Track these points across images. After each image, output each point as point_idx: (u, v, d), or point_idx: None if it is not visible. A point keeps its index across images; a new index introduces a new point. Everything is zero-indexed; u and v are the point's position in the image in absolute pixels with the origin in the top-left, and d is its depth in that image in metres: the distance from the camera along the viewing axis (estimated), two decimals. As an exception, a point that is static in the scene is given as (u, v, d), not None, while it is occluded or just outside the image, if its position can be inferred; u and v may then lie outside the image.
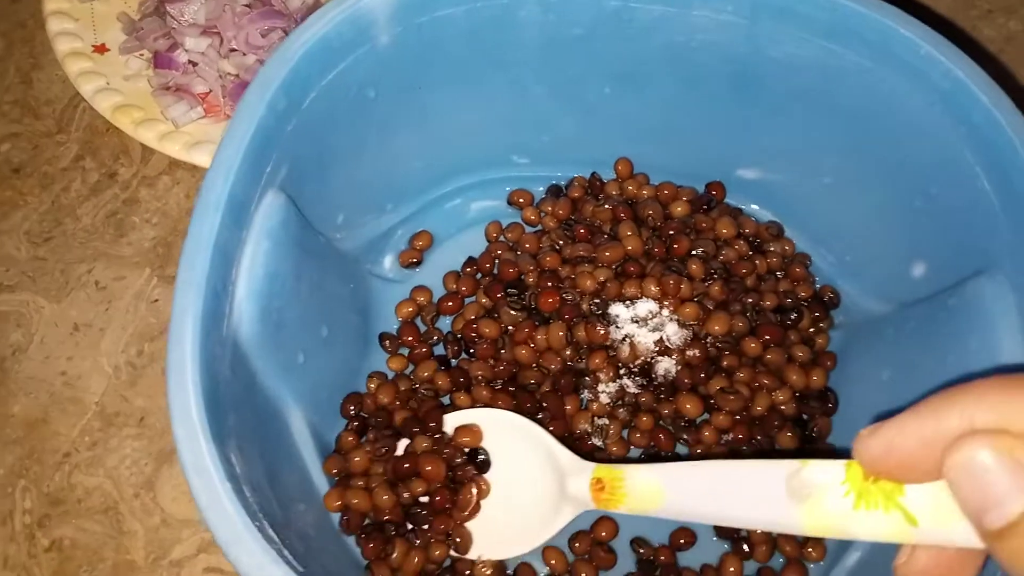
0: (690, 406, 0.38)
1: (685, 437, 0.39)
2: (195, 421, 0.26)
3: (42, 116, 0.47)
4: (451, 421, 0.37)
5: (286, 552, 0.27)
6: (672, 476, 0.29)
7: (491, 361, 0.40)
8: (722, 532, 0.38)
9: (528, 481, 0.35)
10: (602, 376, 0.38)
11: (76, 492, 0.39)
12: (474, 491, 0.35)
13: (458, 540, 0.35)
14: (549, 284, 0.40)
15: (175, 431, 0.26)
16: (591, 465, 0.33)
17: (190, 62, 0.45)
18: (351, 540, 0.37)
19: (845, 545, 0.37)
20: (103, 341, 0.42)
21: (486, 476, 0.36)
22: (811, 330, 0.41)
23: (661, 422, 0.39)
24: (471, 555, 0.35)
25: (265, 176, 0.32)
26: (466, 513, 0.35)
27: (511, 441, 0.36)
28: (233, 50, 0.45)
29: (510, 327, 0.40)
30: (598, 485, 0.32)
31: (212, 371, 0.28)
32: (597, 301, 0.39)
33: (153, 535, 0.39)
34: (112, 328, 0.43)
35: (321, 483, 0.37)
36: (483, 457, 0.36)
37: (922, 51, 0.34)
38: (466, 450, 0.36)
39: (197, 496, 0.26)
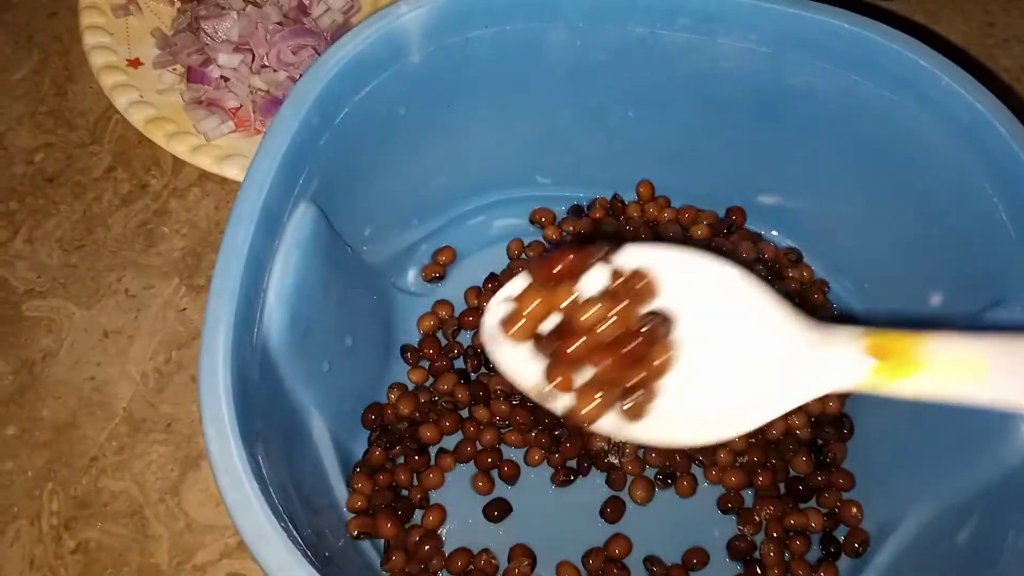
0: None
1: (700, 458, 0.40)
2: (225, 420, 0.27)
3: (76, 127, 0.48)
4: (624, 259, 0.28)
5: (309, 554, 0.28)
6: (1005, 348, 0.24)
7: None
8: (735, 553, 0.38)
9: (734, 347, 0.27)
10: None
11: (103, 496, 0.40)
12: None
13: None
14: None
15: (206, 430, 0.27)
16: (855, 328, 0.26)
17: (222, 77, 0.46)
18: (367, 546, 0.37)
19: (857, 570, 0.37)
20: (132, 348, 0.43)
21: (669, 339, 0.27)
22: (828, 355, 0.41)
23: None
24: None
25: (298, 188, 0.33)
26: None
27: (709, 295, 0.27)
28: (264, 66, 0.47)
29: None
30: (878, 351, 0.26)
31: (242, 376, 0.29)
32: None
33: (177, 539, 0.39)
34: (141, 335, 0.43)
35: (341, 490, 0.38)
36: (659, 315, 0.27)
37: (942, 83, 0.34)
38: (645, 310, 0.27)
39: (225, 494, 0.26)
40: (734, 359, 0.27)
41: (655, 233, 0.43)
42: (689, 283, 0.27)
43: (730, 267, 0.27)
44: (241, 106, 0.46)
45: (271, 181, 0.31)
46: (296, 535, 0.28)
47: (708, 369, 0.27)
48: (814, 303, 0.42)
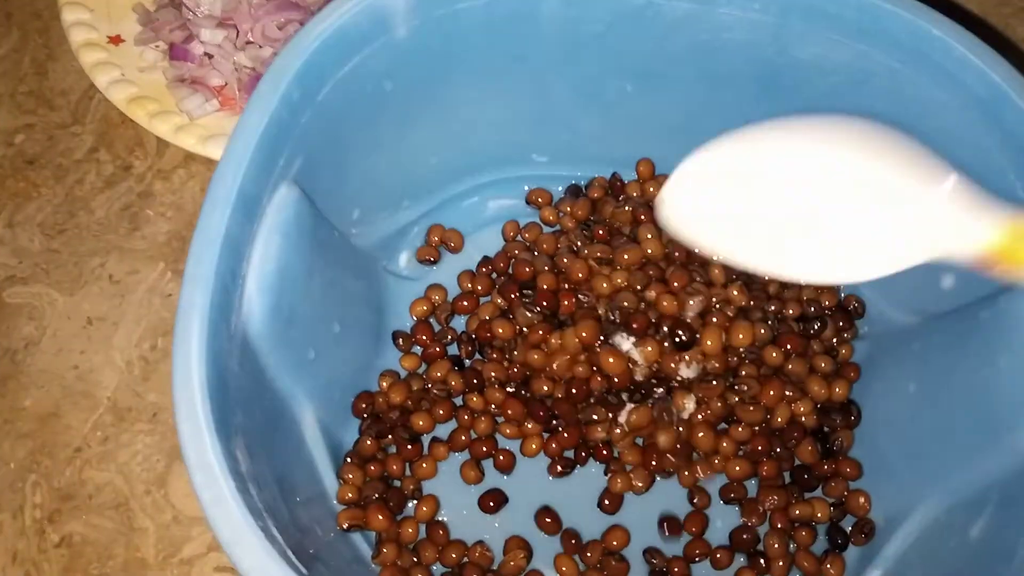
0: (702, 435, 0.37)
1: (702, 450, 0.38)
2: (200, 417, 0.26)
3: (57, 107, 0.47)
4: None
5: (290, 553, 0.26)
6: None
7: (505, 363, 0.39)
8: (739, 544, 0.37)
9: (874, 190, 0.29)
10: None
11: (87, 488, 0.39)
12: None
13: None
14: (566, 286, 0.39)
15: (179, 427, 0.26)
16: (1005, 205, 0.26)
17: (206, 54, 0.45)
18: (358, 538, 0.36)
19: (864, 562, 0.36)
20: (116, 335, 0.42)
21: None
22: (834, 340, 0.40)
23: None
24: None
25: (278, 169, 0.32)
26: None
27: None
28: (249, 42, 0.45)
29: (524, 328, 0.39)
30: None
31: (219, 366, 0.28)
32: (612, 314, 0.38)
33: (164, 532, 0.38)
34: (125, 322, 0.42)
35: (330, 481, 0.36)
36: None
37: (956, 54, 0.33)
38: None
39: (200, 494, 0.25)
40: (873, 202, 0.28)
41: (654, 214, 0.41)
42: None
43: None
44: (226, 84, 0.45)
45: (248, 162, 0.30)
46: (275, 534, 0.27)
47: (850, 211, 0.29)
48: (820, 285, 0.41)
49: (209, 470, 0.25)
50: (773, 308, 0.39)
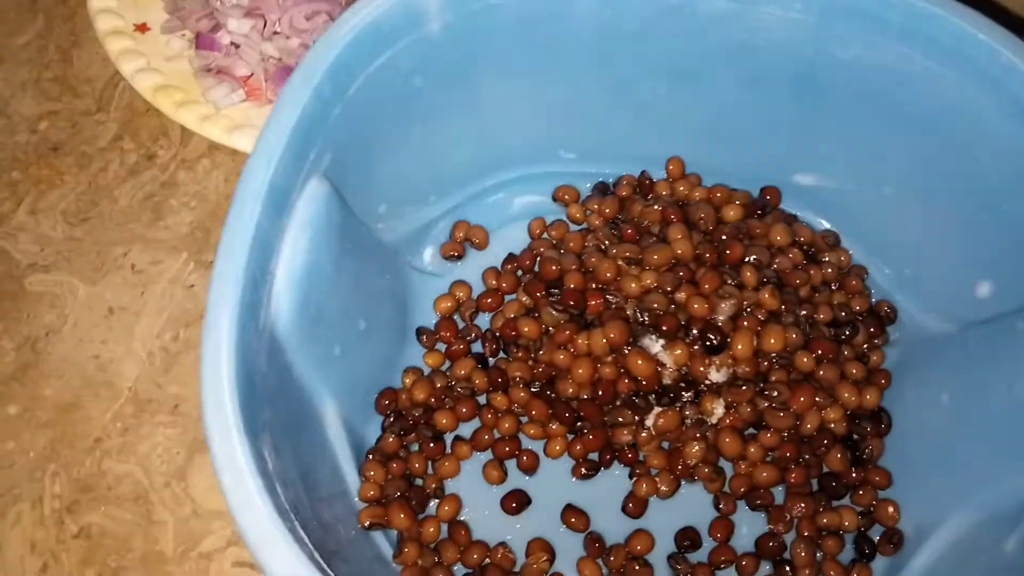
0: (729, 441, 0.36)
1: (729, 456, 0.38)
2: (229, 415, 0.25)
3: (82, 95, 0.47)
4: None
5: (316, 554, 0.26)
6: None
7: (530, 362, 0.39)
8: (765, 552, 0.36)
9: None
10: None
11: (107, 479, 0.39)
12: None
13: None
14: (594, 286, 0.39)
15: (207, 425, 0.25)
16: None
17: (232, 44, 0.44)
18: (380, 536, 0.36)
19: (892, 573, 0.35)
20: (138, 326, 0.42)
21: None
22: (865, 346, 0.39)
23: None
24: None
25: (308, 163, 0.31)
26: None
27: None
28: (276, 33, 0.44)
29: (551, 328, 0.38)
30: None
31: (248, 364, 0.27)
32: (643, 316, 0.37)
33: (183, 526, 0.38)
34: (147, 312, 0.42)
35: (353, 479, 0.36)
36: None
37: (1003, 59, 0.32)
38: None
39: (227, 494, 0.25)
40: None
41: (684, 214, 0.40)
42: None
43: None
44: (252, 74, 0.44)
45: (279, 157, 0.29)
46: (302, 534, 0.26)
47: None
48: (851, 288, 0.40)
49: (237, 471, 0.25)
50: (804, 312, 0.38)
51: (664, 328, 0.36)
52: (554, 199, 0.43)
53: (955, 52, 0.33)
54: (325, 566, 0.26)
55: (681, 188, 0.42)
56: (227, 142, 0.43)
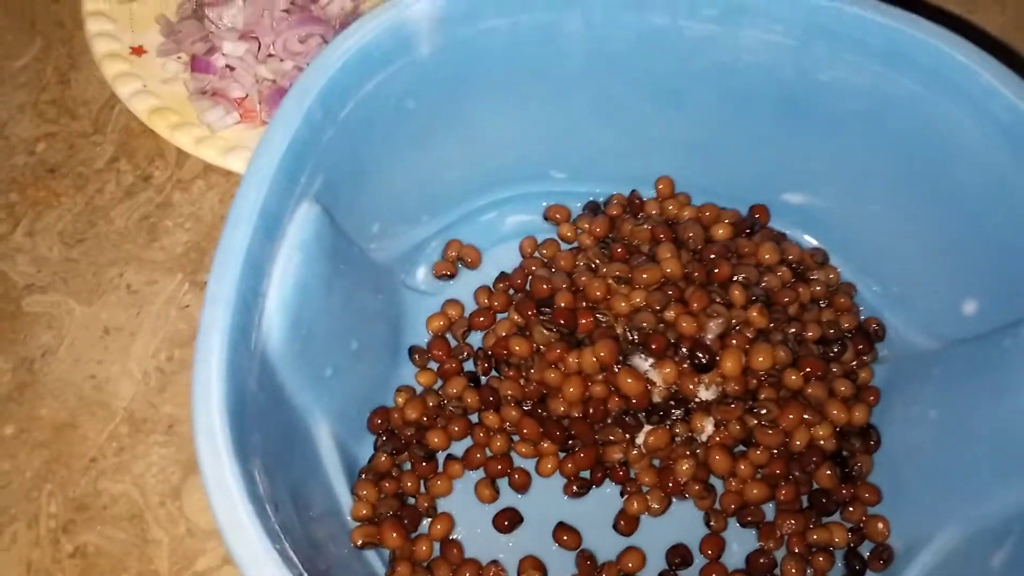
0: (719, 458, 0.37)
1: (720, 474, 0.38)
2: (219, 439, 0.26)
3: (78, 117, 0.47)
4: None
5: (305, 574, 0.26)
6: None
7: (521, 381, 0.39)
8: (755, 569, 0.36)
9: None
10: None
11: (102, 498, 0.39)
12: None
13: None
14: (584, 304, 0.39)
15: (198, 447, 0.26)
16: None
17: (227, 66, 0.45)
18: (373, 555, 0.36)
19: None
20: (133, 346, 0.42)
21: None
22: (854, 363, 0.40)
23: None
24: None
25: (300, 187, 0.32)
26: None
27: None
28: (271, 55, 0.45)
29: (541, 346, 0.39)
30: None
31: (239, 386, 0.28)
32: (632, 334, 0.37)
33: (178, 545, 0.38)
34: (142, 333, 0.42)
35: (345, 498, 0.36)
36: None
37: (981, 80, 0.32)
38: None
39: (217, 515, 0.25)
40: None
41: (674, 233, 0.41)
42: None
43: None
44: (247, 96, 0.45)
45: (271, 181, 0.30)
46: (291, 555, 0.26)
47: None
48: (840, 306, 0.40)
49: (227, 493, 0.25)
50: (793, 330, 0.39)
51: (653, 347, 0.37)
52: (545, 218, 0.44)
53: (934, 74, 0.33)
54: (315, 586, 0.26)
55: (671, 207, 0.42)
56: (222, 163, 0.43)
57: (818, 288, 0.41)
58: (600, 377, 0.38)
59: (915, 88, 0.34)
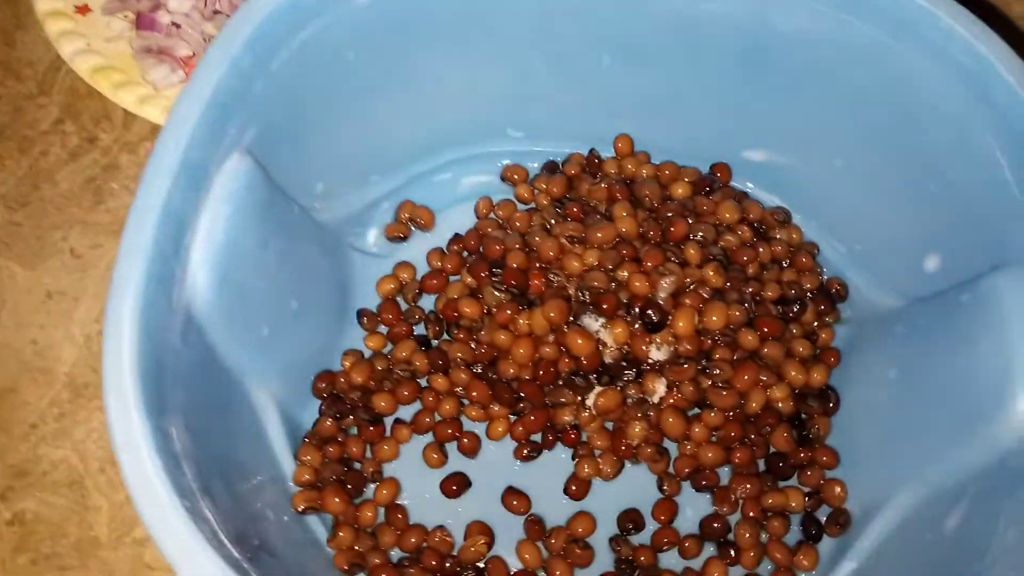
0: (672, 420, 0.36)
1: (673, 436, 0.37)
2: (128, 394, 0.25)
3: (24, 78, 0.46)
4: None
5: (222, 535, 0.25)
6: None
7: (472, 344, 0.38)
8: (709, 534, 0.36)
9: None
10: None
11: (41, 464, 0.38)
12: None
13: None
14: (537, 265, 0.38)
15: (106, 401, 0.25)
16: None
17: (173, 24, 0.44)
18: (315, 521, 0.35)
19: (838, 554, 0.35)
20: (76, 310, 0.41)
21: None
22: (815, 324, 0.38)
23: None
24: None
25: (228, 138, 0.30)
26: None
27: None
28: (217, 12, 0.44)
29: (493, 308, 0.38)
30: None
31: (156, 341, 0.27)
32: (583, 293, 0.36)
33: (117, 511, 0.37)
34: (86, 297, 0.41)
35: (288, 463, 0.35)
36: None
37: (941, 24, 0.31)
38: None
39: (124, 472, 0.24)
40: None
41: (632, 191, 0.39)
42: None
43: None
44: (194, 54, 0.43)
45: (193, 129, 0.29)
46: (207, 515, 0.25)
47: None
48: (801, 266, 0.39)
49: (135, 450, 0.24)
50: (751, 290, 0.37)
51: (604, 306, 0.36)
52: (503, 179, 0.42)
53: (895, 19, 0.32)
54: (230, 547, 0.25)
55: (629, 166, 0.41)
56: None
57: (779, 248, 0.39)
58: (551, 339, 0.37)
59: (877, 35, 0.33)
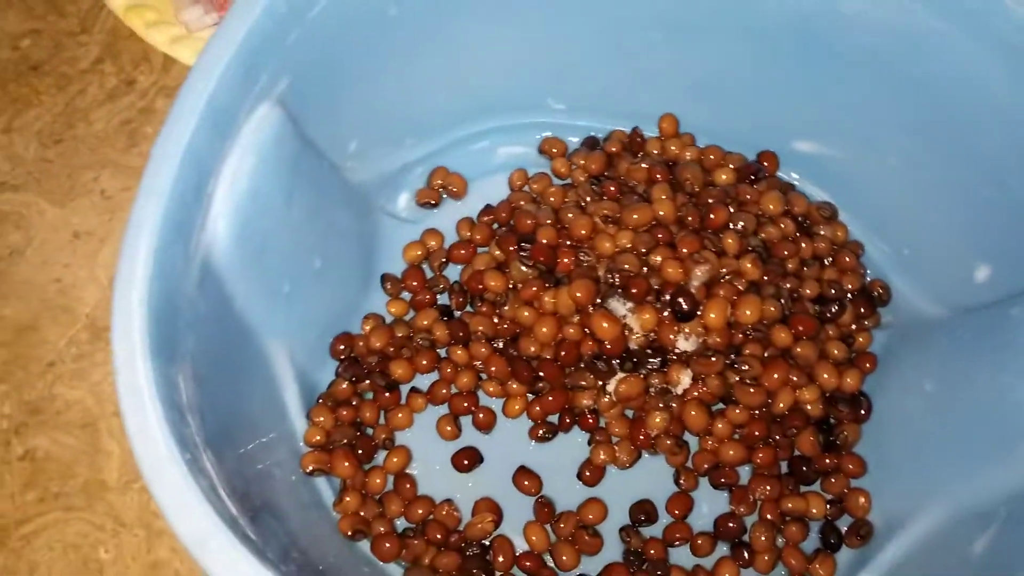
0: (695, 414, 0.34)
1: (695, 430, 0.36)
2: (136, 336, 0.24)
3: (66, 14, 0.45)
4: None
5: (220, 489, 0.25)
6: None
7: (495, 318, 0.37)
8: (723, 533, 0.34)
9: None
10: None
11: (56, 403, 0.38)
12: None
13: None
14: (568, 243, 0.37)
15: (113, 342, 0.24)
16: None
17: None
18: (323, 483, 0.35)
19: (857, 566, 0.33)
20: (102, 252, 0.41)
21: None
22: (853, 326, 0.37)
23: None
24: None
25: (259, 86, 0.29)
26: None
27: None
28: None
29: (518, 284, 0.37)
30: None
31: (170, 287, 0.26)
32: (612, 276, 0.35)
33: (128, 457, 0.37)
34: (113, 239, 0.41)
35: (300, 422, 0.35)
36: None
37: (1014, 18, 0.29)
38: None
39: (126, 418, 0.23)
40: None
41: (673, 174, 0.38)
42: None
43: None
44: (232, -2, 0.43)
45: (222, 73, 0.28)
46: (208, 468, 0.25)
47: None
48: (844, 265, 0.38)
49: (138, 395, 0.24)
50: (789, 286, 0.36)
51: (633, 290, 0.34)
52: (540, 151, 0.41)
53: (964, 9, 0.30)
54: (228, 502, 0.25)
55: (672, 147, 0.40)
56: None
57: (822, 244, 0.38)
58: (575, 319, 0.35)
59: (942, 26, 0.31)
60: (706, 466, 0.35)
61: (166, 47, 0.41)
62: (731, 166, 0.39)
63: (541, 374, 0.35)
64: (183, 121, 0.27)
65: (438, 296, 0.39)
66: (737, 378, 0.35)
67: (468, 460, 0.36)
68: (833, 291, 0.37)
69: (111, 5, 0.42)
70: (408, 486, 0.35)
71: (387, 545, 0.33)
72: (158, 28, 0.41)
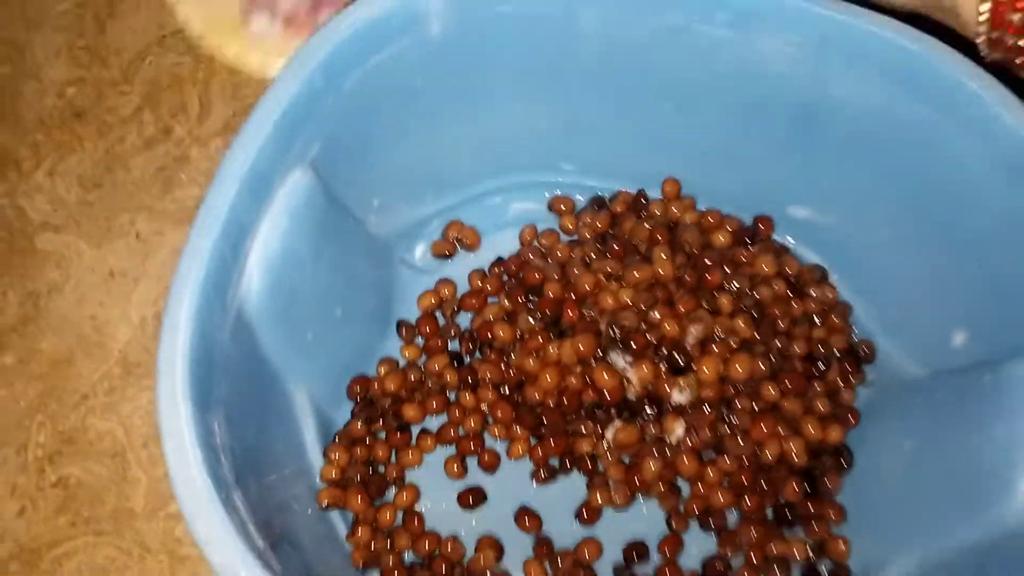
0: (687, 462, 0.37)
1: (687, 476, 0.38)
2: (178, 384, 0.27)
3: (109, 65, 0.48)
4: None
5: (251, 526, 0.27)
6: None
7: (502, 365, 0.39)
8: (709, 573, 0.37)
9: None
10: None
11: (88, 434, 0.41)
12: None
13: None
14: (572, 297, 0.39)
15: (158, 386, 0.27)
16: None
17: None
18: (336, 518, 0.37)
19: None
20: (135, 292, 0.43)
21: None
22: (839, 383, 0.39)
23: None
24: None
25: (294, 152, 0.32)
26: None
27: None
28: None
29: (525, 334, 0.39)
30: None
31: (208, 336, 0.29)
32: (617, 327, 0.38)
33: (155, 486, 0.40)
34: (146, 280, 0.44)
35: (316, 459, 0.37)
36: None
37: (990, 111, 0.32)
38: None
39: (168, 458, 0.26)
40: None
41: (673, 235, 0.41)
42: None
43: None
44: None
45: (263, 144, 0.30)
46: (239, 505, 0.27)
47: None
48: (833, 325, 0.40)
49: (179, 438, 0.26)
50: (780, 344, 0.38)
51: (633, 345, 0.37)
52: (549, 208, 0.44)
53: (945, 100, 0.33)
54: (257, 539, 0.27)
55: (674, 209, 0.42)
56: (262, 75, 0.45)
57: (812, 304, 0.40)
58: (577, 369, 0.38)
59: (926, 113, 0.33)
60: (697, 510, 0.37)
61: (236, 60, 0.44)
62: (728, 228, 0.41)
63: (544, 420, 0.38)
64: (226, 187, 0.30)
65: (449, 342, 0.41)
66: (728, 429, 0.37)
67: (473, 498, 0.38)
68: (822, 349, 0.39)
69: (189, 31, 0.45)
70: (416, 522, 0.37)
71: (396, 577, 0.36)
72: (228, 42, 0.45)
